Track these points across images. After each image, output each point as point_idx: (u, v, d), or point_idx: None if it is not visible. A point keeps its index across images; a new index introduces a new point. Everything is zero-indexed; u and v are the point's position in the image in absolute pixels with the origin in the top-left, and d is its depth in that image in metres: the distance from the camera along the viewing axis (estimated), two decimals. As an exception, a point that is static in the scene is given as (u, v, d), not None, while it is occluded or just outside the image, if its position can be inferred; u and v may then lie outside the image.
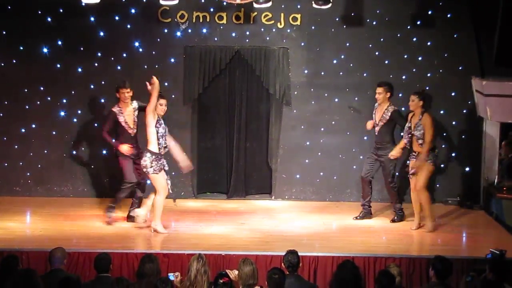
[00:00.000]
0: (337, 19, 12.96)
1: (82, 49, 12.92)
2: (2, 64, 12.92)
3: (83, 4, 11.84)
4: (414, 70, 13.09)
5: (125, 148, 11.33)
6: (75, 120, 13.02)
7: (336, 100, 13.04)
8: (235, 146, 13.20)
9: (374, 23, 13.01)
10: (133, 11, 12.91)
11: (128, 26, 12.95)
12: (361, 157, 13.05)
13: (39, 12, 12.79)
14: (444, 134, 13.20)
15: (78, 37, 12.89)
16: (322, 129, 13.12)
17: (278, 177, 13.24)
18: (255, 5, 11.96)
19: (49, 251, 8.36)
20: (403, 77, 13.09)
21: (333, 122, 13.06)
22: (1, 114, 12.96)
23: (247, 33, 13.01)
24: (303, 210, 12.58)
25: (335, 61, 13.11)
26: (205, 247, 10.01)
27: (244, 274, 7.58)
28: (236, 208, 12.68)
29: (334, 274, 7.45)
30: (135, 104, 11.50)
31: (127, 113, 11.44)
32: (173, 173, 13.09)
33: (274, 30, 13.01)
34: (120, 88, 11.36)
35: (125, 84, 11.38)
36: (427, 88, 12.91)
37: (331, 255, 9.81)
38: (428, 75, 13.09)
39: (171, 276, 7.81)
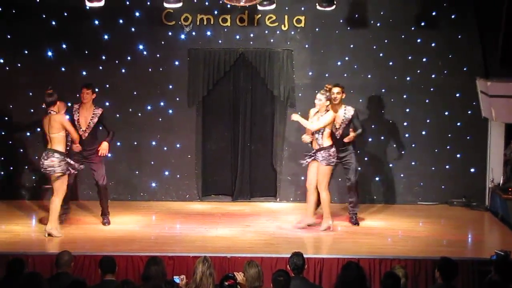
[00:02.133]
0: (341, 20, 12.96)
1: (86, 52, 12.94)
2: (7, 68, 12.96)
3: (87, 7, 11.85)
4: (418, 71, 13.08)
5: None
6: (80, 123, 13.02)
7: (341, 101, 13.04)
8: (240, 149, 13.21)
9: (378, 24, 13.01)
10: (137, 14, 12.93)
11: (132, 29, 12.97)
12: (365, 158, 13.05)
13: (44, 16, 12.83)
14: (449, 135, 13.19)
15: (83, 41, 12.92)
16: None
17: (282, 179, 13.24)
18: (259, 8, 11.96)
19: (54, 254, 8.37)
20: (408, 78, 13.09)
21: (338, 124, 13.06)
22: (6, 118, 12.99)
23: (251, 35, 13.02)
24: (308, 212, 12.55)
25: (339, 63, 13.11)
26: (210, 249, 10.01)
27: (250, 277, 7.59)
28: (241, 210, 12.69)
29: (338, 276, 7.45)
30: (98, 111, 11.43)
31: (83, 114, 11.38)
32: (178, 176, 13.17)
33: (278, 32, 13.02)
34: (82, 87, 11.34)
35: (88, 86, 11.35)
36: (432, 89, 12.97)
37: (336, 257, 9.80)
38: (433, 76, 13.08)
39: (177, 279, 7.81)
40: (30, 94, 12.94)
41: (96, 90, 11.48)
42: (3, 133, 13.00)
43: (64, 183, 10.91)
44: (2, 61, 12.96)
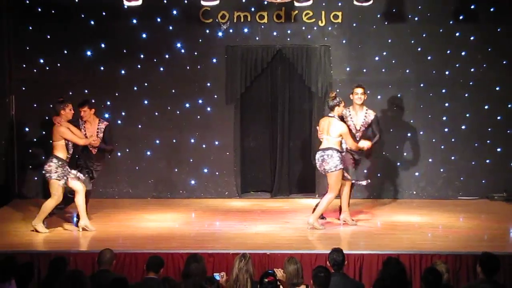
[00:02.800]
0: (378, 15, 12.91)
1: (125, 51, 13.04)
2: (47, 68, 13.09)
3: (125, 6, 11.93)
4: (457, 65, 12.99)
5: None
6: (119, 122, 13.13)
7: (379, 97, 12.97)
8: (279, 145, 13.22)
9: (416, 19, 12.93)
10: (174, 12, 12.99)
11: (170, 28, 13.04)
12: (404, 154, 13.00)
13: (82, 16, 12.94)
14: (489, 129, 13.08)
15: (121, 40, 13.02)
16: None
17: (321, 175, 13.18)
18: (296, 4, 11.96)
19: (96, 252, 8.44)
20: (447, 72, 13.00)
21: (376, 119, 13.02)
22: (47, 118, 13.10)
23: (288, 31, 13.02)
24: (347, 208, 12.53)
25: (377, 58, 13.06)
26: (250, 246, 10.01)
27: (289, 273, 7.59)
28: (280, 207, 12.69)
29: (379, 272, 7.42)
30: (102, 125, 11.36)
31: (89, 129, 11.31)
32: (217, 173, 13.21)
33: (315, 28, 13.01)
34: (78, 107, 11.23)
35: (82, 105, 11.24)
36: (471, 83, 12.87)
37: (376, 252, 9.75)
38: (472, 70, 12.99)
39: (217, 276, 7.84)
40: (70, 93, 13.02)
41: (95, 107, 11.44)
42: (43, 132, 13.12)
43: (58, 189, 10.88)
44: (42, 61, 13.10)
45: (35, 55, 13.06)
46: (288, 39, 13.04)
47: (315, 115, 13.15)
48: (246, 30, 13.04)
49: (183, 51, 13.10)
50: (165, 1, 12.95)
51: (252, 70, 13.03)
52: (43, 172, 10.92)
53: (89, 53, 13.07)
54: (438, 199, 13.00)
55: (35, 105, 13.14)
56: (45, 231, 10.88)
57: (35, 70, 13.10)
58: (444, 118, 13.07)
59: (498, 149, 13.09)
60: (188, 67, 13.07)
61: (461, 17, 12.87)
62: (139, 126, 13.10)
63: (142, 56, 13.07)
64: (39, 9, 12.97)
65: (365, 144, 11.03)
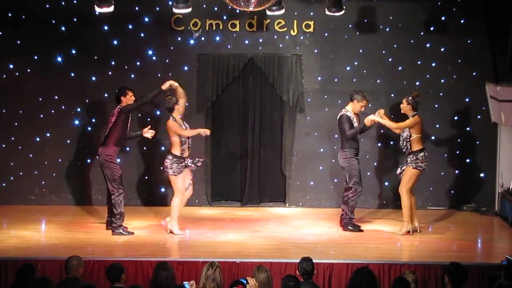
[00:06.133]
0: (350, 25, 12.97)
1: (96, 57, 12.98)
2: (17, 74, 13.00)
3: (97, 13, 11.87)
4: (427, 76, 13.08)
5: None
6: (89, 128, 13.07)
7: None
8: (249, 154, 13.22)
9: (387, 29, 13.01)
10: (146, 19, 12.96)
11: (142, 35, 13.00)
12: (374, 163, 13.07)
13: (53, 22, 12.87)
14: (458, 140, 13.17)
15: (92, 46, 12.96)
16: (336, 135, 13.06)
17: (292, 184, 13.24)
18: (268, 13, 11.98)
19: (64, 259, 8.37)
20: (417, 83, 13.07)
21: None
22: (16, 124, 13.02)
23: (260, 40, 13.04)
24: (317, 217, 12.57)
25: (348, 68, 13.12)
26: (219, 254, 10.01)
27: (260, 282, 7.58)
28: (250, 215, 12.69)
29: (349, 280, 7.42)
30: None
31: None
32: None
33: (287, 37, 13.03)
34: (130, 90, 11.44)
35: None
36: (441, 94, 12.96)
37: (345, 262, 9.79)
38: (442, 81, 13.08)
39: (187, 285, 7.80)
40: (40, 99, 12.99)
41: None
42: (12, 138, 13.03)
43: (178, 184, 11.21)
44: (12, 66, 13.00)
45: (5, 60, 12.97)
46: (260, 47, 13.06)
47: (286, 124, 13.18)
48: (218, 38, 13.04)
49: (154, 58, 13.07)
50: (137, 8, 12.92)
51: (223, 78, 13.02)
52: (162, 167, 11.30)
53: (59, 59, 12.98)
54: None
55: (4, 111, 13.03)
56: (179, 233, 11.17)
57: (4, 76, 12.99)
58: (414, 129, 13.13)
59: (467, 160, 13.19)
60: (159, 75, 13.02)
61: (432, 29, 12.96)
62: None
63: (113, 63, 13.02)
64: (9, 14, 12.88)
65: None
